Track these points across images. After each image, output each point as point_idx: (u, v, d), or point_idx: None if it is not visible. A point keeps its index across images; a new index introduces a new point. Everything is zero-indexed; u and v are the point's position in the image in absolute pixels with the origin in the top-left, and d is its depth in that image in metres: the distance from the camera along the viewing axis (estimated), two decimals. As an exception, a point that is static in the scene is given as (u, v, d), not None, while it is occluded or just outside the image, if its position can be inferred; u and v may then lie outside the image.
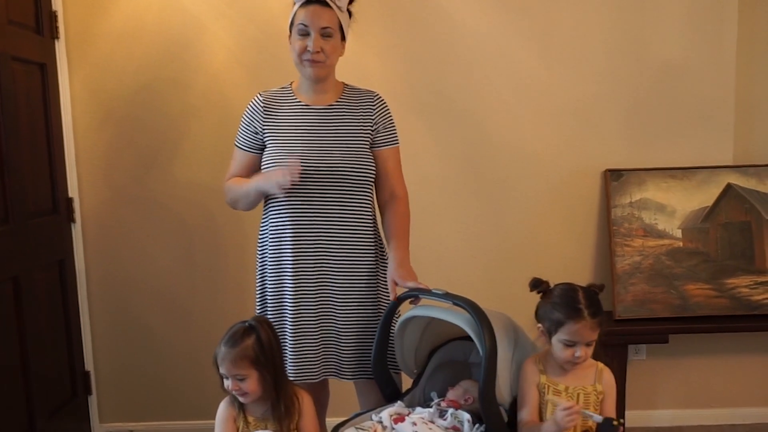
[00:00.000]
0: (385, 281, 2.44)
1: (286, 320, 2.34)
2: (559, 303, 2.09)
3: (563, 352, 2.07)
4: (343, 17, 2.34)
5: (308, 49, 2.28)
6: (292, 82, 2.46)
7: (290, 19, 2.35)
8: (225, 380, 2.10)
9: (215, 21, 3.21)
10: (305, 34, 2.29)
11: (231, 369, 2.05)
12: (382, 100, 2.47)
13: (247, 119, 2.42)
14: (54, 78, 3.14)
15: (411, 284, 2.26)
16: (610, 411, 2.14)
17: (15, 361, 2.77)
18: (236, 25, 3.21)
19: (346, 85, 2.47)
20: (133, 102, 3.26)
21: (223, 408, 2.17)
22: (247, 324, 2.13)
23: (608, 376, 2.16)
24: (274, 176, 2.24)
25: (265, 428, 2.10)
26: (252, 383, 2.06)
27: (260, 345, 2.07)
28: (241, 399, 2.11)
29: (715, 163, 3.26)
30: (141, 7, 3.20)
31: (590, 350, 2.08)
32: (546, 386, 2.11)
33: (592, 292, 2.11)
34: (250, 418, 2.13)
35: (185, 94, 3.25)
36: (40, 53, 3.05)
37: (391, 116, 2.48)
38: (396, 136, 2.49)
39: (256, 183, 2.33)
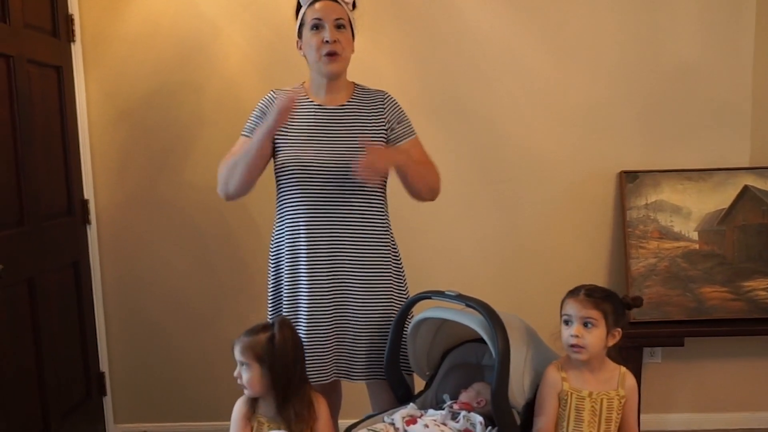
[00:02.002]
0: (399, 283, 2.44)
1: (301, 320, 2.34)
2: None
3: (563, 334, 2.12)
4: (351, 14, 2.36)
5: (326, 40, 2.29)
6: (303, 83, 2.47)
7: (299, 21, 2.36)
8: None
9: (230, 24, 3.22)
10: (320, 27, 2.30)
11: (238, 354, 2.12)
12: (391, 97, 2.47)
13: (260, 112, 2.42)
14: (70, 81, 3.17)
15: (373, 155, 2.21)
16: (631, 414, 2.15)
17: (30, 363, 2.79)
18: (250, 28, 3.22)
19: (357, 85, 2.47)
20: (148, 104, 3.28)
21: (238, 406, 2.19)
22: (269, 321, 2.19)
23: (630, 380, 2.17)
24: (274, 110, 2.20)
25: (279, 428, 2.11)
26: (252, 376, 2.10)
27: (271, 344, 2.09)
28: (245, 391, 2.15)
29: (732, 165, 3.24)
30: (156, 10, 3.22)
31: (589, 336, 2.08)
32: (569, 393, 2.11)
33: (607, 290, 2.16)
34: (263, 419, 2.14)
35: (200, 97, 3.26)
36: (56, 56, 3.07)
37: (402, 110, 2.47)
38: (412, 128, 2.48)
39: (258, 130, 2.29)
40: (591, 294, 2.11)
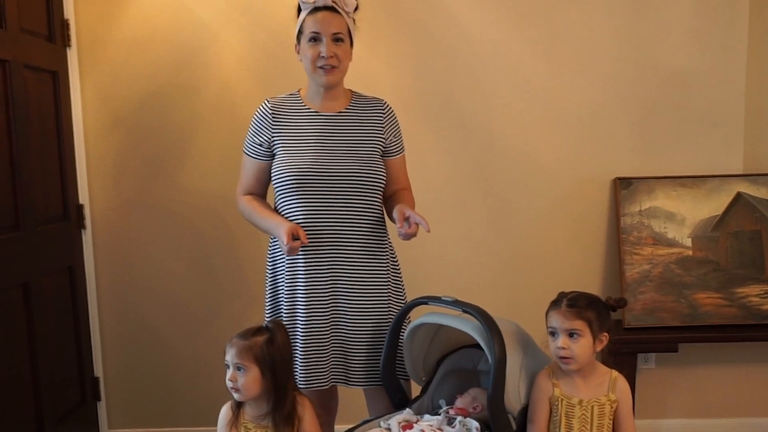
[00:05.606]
0: (397, 289, 2.45)
1: (299, 326, 2.34)
2: None
3: (551, 346, 2.13)
4: (350, 23, 2.36)
5: (322, 55, 2.30)
6: (299, 89, 2.47)
7: (298, 27, 2.37)
8: (227, 371, 2.09)
9: (226, 29, 3.22)
10: (317, 40, 2.30)
11: (234, 357, 2.07)
12: (391, 108, 2.49)
13: (256, 127, 2.43)
14: (65, 86, 3.16)
15: (410, 213, 2.27)
16: (627, 418, 2.15)
17: (24, 367, 2.78)
18: (247, 33, 3.22)
19: (354, 92, 2.48)
20: (143, 109, 3.27)
21: (224, 412, 2.17)
22: (264, 324, 2.17)
23: (622, 383, 2.17)
24: (281, 240, 2.24)
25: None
26: (249, 379, 2.06)
27: (270, 345, 2.08)
28: (235, 395, 2.10)
29: (725, 172, 3.26)
30: (152, 15, 3.22)
31: (576, 346, 2.08)
32: (560, 400, 2.11)
33: (589, 296, 2.15)
34: (250, 424, 2.12)
35: (196, 102, 3.26)
36: (52, 61, 3.07)
37: (399, 125, 2.51)
38: (403, 144, 2.52)
39: (270, 228, 2.35)
40: (573, 304, 2.10)
